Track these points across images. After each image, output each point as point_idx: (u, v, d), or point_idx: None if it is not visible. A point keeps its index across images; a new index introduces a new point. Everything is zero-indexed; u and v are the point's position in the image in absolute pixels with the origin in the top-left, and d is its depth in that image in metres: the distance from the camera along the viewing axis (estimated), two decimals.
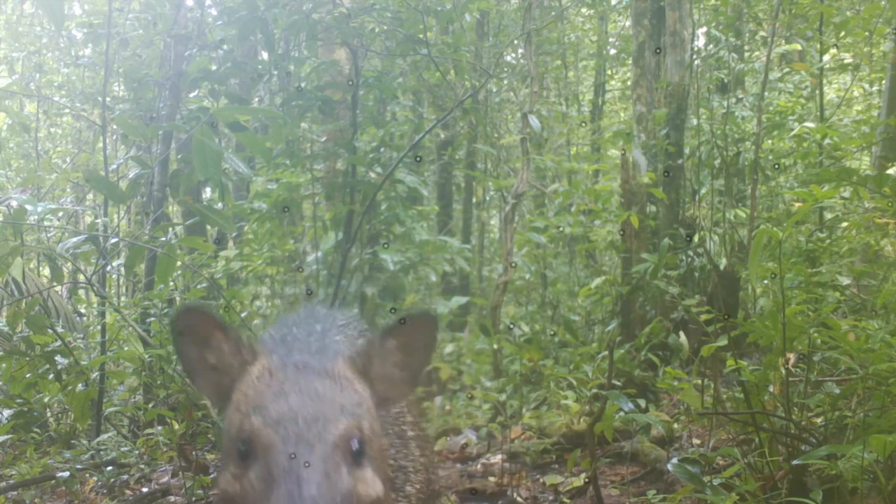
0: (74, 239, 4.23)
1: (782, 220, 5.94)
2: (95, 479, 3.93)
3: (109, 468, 3.99)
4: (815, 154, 6.26)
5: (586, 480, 3.64)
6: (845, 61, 7.52)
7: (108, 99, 5.79)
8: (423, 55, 5.97)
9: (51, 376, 4.21)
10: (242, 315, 4.67)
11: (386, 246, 6.11)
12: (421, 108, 7.93)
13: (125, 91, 7.01)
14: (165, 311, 4.22)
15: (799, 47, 7.34)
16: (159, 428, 4.13)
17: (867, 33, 6.53)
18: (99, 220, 4.71)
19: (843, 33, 6.48)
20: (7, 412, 4.65)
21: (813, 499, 2.41)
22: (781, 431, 2.91)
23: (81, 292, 6.32)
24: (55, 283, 5.48)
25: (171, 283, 4.47)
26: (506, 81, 8.90)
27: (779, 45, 6.98)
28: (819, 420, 3.15)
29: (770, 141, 6.92)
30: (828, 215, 6.29)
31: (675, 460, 2.84)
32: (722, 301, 4.81)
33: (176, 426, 3.74)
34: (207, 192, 6.62)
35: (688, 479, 2.59)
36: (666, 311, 5.51)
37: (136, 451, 4.28)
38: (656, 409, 4.47)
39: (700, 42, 7.02)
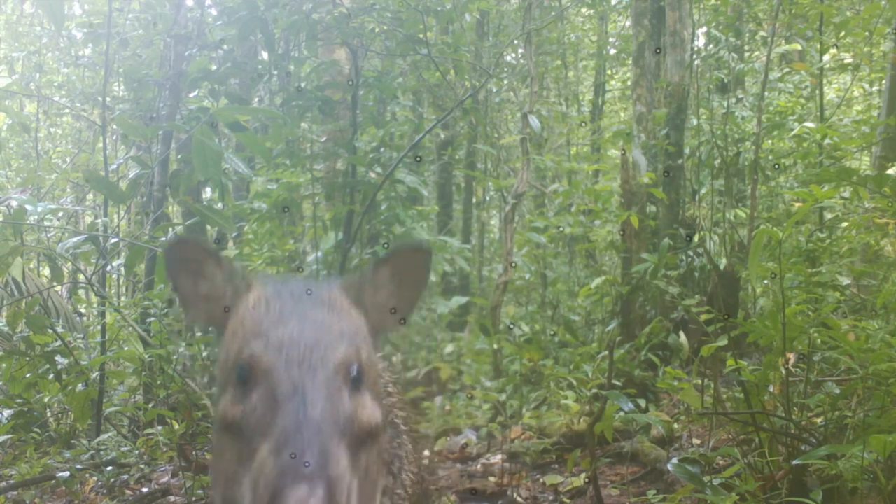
0: (74, 239, 4.23)
1: (782, 220, 5.93)
2: (95, 479, 3.93)
3: (109, 468, 4.00)
4: (815, 154, 6.26)
5: (586, 480, 3.65)
6: (845, 61, 7.52)
7: (108, 99, 5.79)
8: (423, 55, 5.97)
9: (51, 376, 4.21)
10: None
11: (386, 246, 6.11)
12: (421, 108, 7.94)
13: (125, 91, 7.01)
14: (165, 311, 4.21)
15: (799, 47, 7.34)
16: (159, 428, 4.13)
17: (867, 33, 6.53)
18: (99, 220, 4.70)
19: (843, 33, 6.48)
20: (7, 412, 4.65)
21: (813, 499, 2.41)
22: (781, 431, 2.91)
23: (81, 292, 6.31)
24: (55, 283, 5.48)
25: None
26: (506, 81, 8.90)
27: (779, 45, 6.98)
28: (819, 420, 3.16)
29: (770, 141, 6.92)
30: (828, 215, 6.29)
31: (675, 460, 2.84)
32: (722, 301, 4.81)
33: (176, 426, 3.74)
34: (207, 192, 6.61)
35: (688, 479, 2.60)
36: (666, 311, 5.51)
37: (136, 451, 4.28)
38: (656, 409, 4.47)
39: (700, 42, 7.03)
